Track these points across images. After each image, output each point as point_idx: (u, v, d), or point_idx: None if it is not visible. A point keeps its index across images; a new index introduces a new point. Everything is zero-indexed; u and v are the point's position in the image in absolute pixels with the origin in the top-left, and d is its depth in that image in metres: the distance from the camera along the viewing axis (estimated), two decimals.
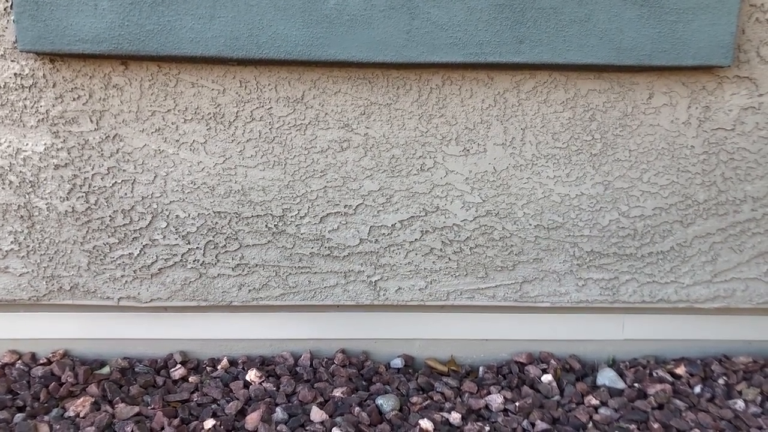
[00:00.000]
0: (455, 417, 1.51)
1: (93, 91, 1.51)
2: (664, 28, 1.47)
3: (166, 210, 1.60)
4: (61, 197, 1.57)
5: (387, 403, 1.54)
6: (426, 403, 1.56)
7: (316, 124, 1.56)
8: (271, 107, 1.54)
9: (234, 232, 1.62)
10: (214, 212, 1.60)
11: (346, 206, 1.62)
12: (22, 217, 1.57)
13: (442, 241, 1.66)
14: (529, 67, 1.52)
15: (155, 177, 1.57)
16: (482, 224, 1.65)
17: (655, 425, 1.49)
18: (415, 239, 1.66)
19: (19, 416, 1.45)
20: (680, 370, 1.71)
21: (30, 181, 1.55)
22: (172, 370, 1.67)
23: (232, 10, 1.42)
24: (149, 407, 1.51)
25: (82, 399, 1.51)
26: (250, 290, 1.68)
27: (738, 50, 1.55)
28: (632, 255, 1.70)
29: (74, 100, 1.51)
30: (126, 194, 1.58)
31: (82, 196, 1.57)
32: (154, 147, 1.55)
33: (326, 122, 1.56)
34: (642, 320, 1.80)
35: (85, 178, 1.56)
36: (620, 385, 1.67)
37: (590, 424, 1.51)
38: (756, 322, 1.81)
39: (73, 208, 1.58)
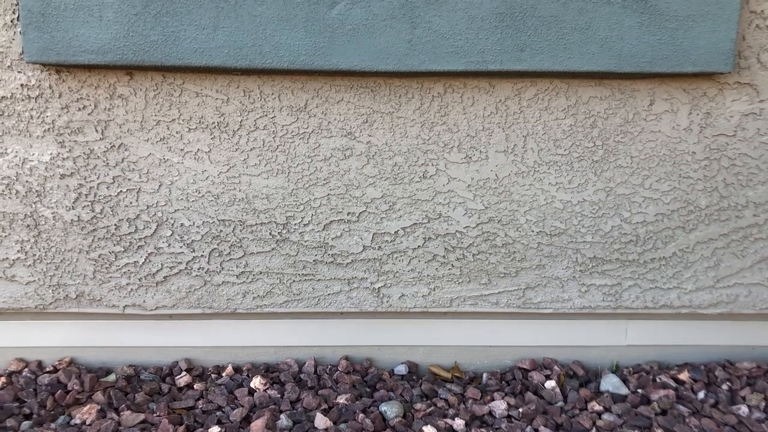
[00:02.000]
0: (459, 423, 1.51)
1: (98, 101, 1.52)
2: (665, 36, 1.48)
3: (171, 218, 1.61)
4: (66, 206, 1.58)
5: (391, 409, 1.55)
6: (430, 409, 1.57)
7: (319, 133, 1.57)
8: (275, 116, 1.56)
9: (238, 240, 1.64)
10: (219, 220, 1.62)
11: (349, 214, 1.63)
12: (28, 226, 1.59)
13: (445, 248, 1.67)
14: (531, 74, 1.53)
15: (160, 186, 1.58)
16: (485, 231, 1.66)
17: (659, 431, 1.49)
18: (418, 246, 1.67)
19: (26, 424, 1.46)
20: (684, 376, 1.71)
21: (36, 191, 1.56)
22: (177, 377, 1.68)
23: (236, 21, 1.43)
24: (154, 414, 1.52)
25: (88, 406, 1.52)
26: (254, 297, 1.69)
27: (738, 57, 1.56)
28: (635, 261, 1.70)
29: (80, 110, 1.52)
30: (131, 203, 1.59)
31: (88, 205, 1.58)
32: (159, 156, 1.56)
33: (329, 130, 1.57)
34: (645, 326, 1.80)
35: (90, 188, 1.57)
36: (624, 390, 1.67)
37: (594, 430, 1.51)
38: (759, 327, 1.81)
39: (78, 217, 1.59)
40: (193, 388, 1.65)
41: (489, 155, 1.61)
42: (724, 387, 1.68)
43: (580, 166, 1.63)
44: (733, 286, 1.73)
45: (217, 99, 1.54)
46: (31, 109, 1.51)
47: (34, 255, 1.61)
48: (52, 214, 1.58)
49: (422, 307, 1.72)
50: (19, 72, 1.49)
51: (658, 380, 1.70)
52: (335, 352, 1.78)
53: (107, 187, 1.58)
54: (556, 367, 1.74)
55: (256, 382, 1.64)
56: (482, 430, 1.49)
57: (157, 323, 1.73)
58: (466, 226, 1.65)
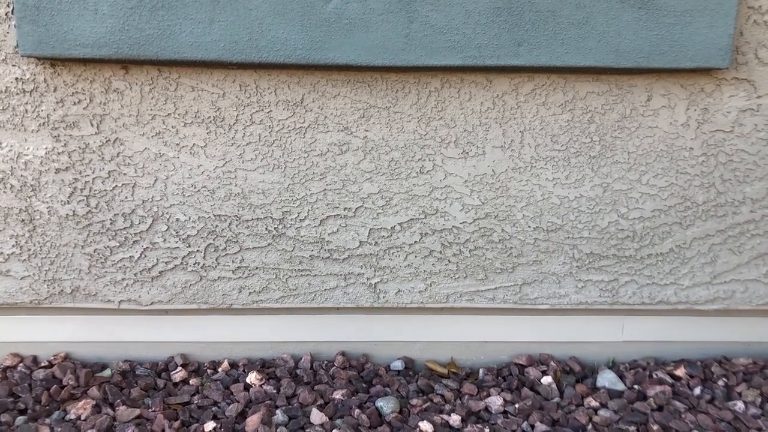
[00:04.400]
0: (455, 419, 1.51)
1: (93, 95, 1.51)
2: (662, 31, 1.48)
3: (167, 213, 1.60)
4: (62, 201, 1.57)
5: (387, 405, 1.55)
6: (426, 405, 1.57)
7: (316, 128, 1.57)
8: (271, 111, 1.55)
9: (234, 235, 1.63)
10: (215, 215, 1.61)
11: (345, 209, 1.63)
12: (23, 220, 1.58)
13: (442, 244, 1.67)
14: (528, 69, 1.53)
15: (155, 180, 1.58)
16: (481, 226, 1.66)
17: (655, 427, 1.49)
18: (415, 242, 1.66)
19: (20, 419, 1.46)
20: (680, 372, 1.72)
21: (31, 185, 1.56)
22: (173, 372, 1.67)
23: (232, 15, 1.42)
24: (150, 410, 1.52)
25: (83, 402, 1.52)
26: (250, 293, 1.68)
27: (736, 52, 1.56)
28: (631, 257, 1.70)
29: (75, 104, 1.51)
30: (126, 198, 1.58)
31: (83, 200, 1.58)
32: (155, 151, 1.56)
33: (326, 125, 1.57)
34: (642, 322, 1.80)
35: (85, 182, 1.56)
36: (620, 386, 1.67)
37: (590, 426, 1.51)
38: (755, 323, 1.81)
39: (74, 211, 1.58)
40: (188, 383, 1.65)
41: (486, 151, 1.61)
42: (720, 383, 1.68)
43: (578, 162, 1.62)
44: (730, 282, 1.73)
45: (213, 93, 1.53)
46: (26, 103, 1.50)
47: (29, 250, 1.61)
48: (47, 208, 1.58)
49: (419, 303, 1.72)
50: (13, 65, 1.48)
51: (654, 376, 1.70)
52: (331, 347, 1.78)
53: (102, 182, 1.57)
54: (552, 363, 1.74)
55: (252, 378, 1.64)
56: (478, 425, 1.49)
57: (152, 318, 1.72)
58: (463, 222, 1.65)
